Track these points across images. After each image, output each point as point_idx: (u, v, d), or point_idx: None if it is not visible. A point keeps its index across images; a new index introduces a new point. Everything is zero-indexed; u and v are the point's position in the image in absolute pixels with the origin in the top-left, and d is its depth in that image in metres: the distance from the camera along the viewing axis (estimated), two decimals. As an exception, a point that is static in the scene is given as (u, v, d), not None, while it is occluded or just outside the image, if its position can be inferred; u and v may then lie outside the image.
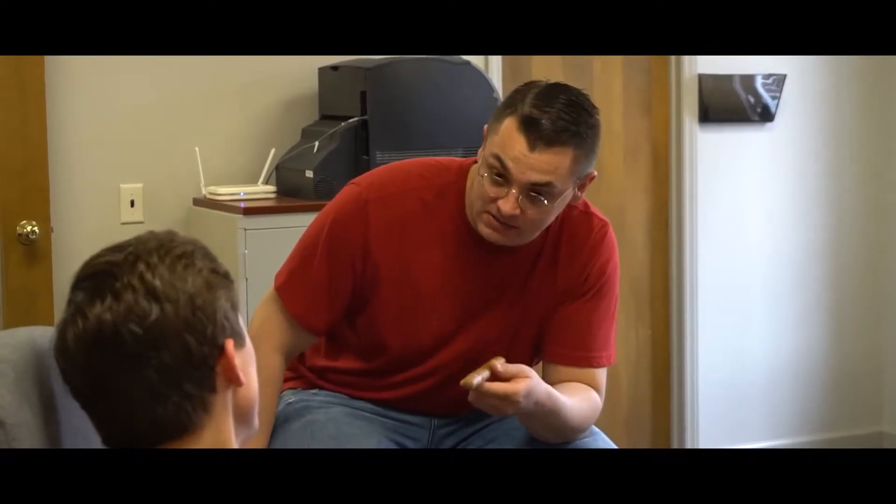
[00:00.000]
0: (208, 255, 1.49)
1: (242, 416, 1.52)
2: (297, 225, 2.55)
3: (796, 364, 4.88)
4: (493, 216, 2.28)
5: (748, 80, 4.66)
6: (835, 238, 4.91)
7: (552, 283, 2.43)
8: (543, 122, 2.22)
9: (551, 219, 2.35)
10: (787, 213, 4.82)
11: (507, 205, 2.25)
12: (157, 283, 1.42)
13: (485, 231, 2.31)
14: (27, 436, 1.59)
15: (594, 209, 2.48)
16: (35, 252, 3.69)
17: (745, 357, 4.79)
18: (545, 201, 2.27)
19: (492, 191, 2.27)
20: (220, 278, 1.48)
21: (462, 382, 2.17)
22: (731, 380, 4.77)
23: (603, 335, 2.45)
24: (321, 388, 2.51)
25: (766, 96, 4.70)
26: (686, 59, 4.57)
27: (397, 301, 2.40)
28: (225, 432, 1.49)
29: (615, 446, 2.49)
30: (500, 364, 2.20)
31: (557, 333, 2.44)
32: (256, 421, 1.56)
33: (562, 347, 2.43)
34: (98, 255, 1.47)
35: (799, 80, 4.76)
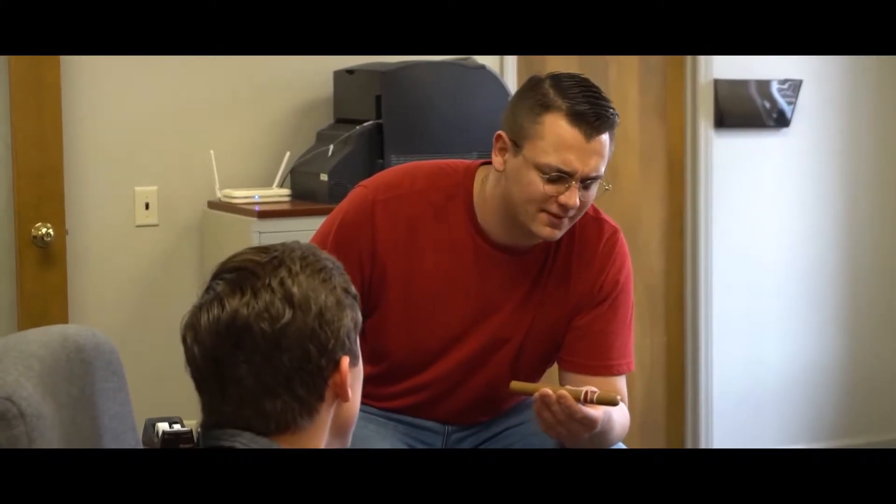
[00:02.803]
0: (344, 275, 1.57)
1: (340, 430, 1.59)
2: (312, 228, 2.55)
3: (811, 371, 4.86)
4: (552, 213, 2.29)
5: (764, 85, 4.64)
6: (851, 245, 4.89)
7: (565, 289, 2.43)
8: (588, 112, 2.26)
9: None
10: (802, 220, 4.80)
11: (573, 198, 2.28)
12: (295, 290, 1.50)
13: (545, 231, 2.31)
14: (47, 429, 1.62)
15: (604, 215, 2.48)
16: (50, 254, 3.70)
17: (760, 364, 4.77)
18: (602, 183, 2.32)
19: (551, 189, 2.28)
20: (350, 298, 1.56)
21: (562, 392, 2.18)
22: (746, 386, 4.75)
23: (621, 343, 2.45)
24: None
25: (781, 102, 4.68)
26: (702, 63, 4.55)
27: (405, 302, 2.40)
28: (321, 440, 1.55)
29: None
30: (588, 389, 2.20)
31: (575, 344, 2.44)
32: (350, 438, 1.62)
33: (580, 357, 2.43)
34: (242, 253, 1.55)
35: (815, 85, 4.74)
